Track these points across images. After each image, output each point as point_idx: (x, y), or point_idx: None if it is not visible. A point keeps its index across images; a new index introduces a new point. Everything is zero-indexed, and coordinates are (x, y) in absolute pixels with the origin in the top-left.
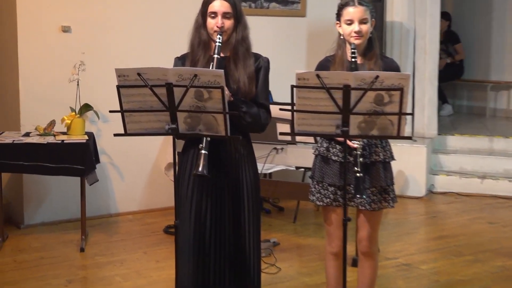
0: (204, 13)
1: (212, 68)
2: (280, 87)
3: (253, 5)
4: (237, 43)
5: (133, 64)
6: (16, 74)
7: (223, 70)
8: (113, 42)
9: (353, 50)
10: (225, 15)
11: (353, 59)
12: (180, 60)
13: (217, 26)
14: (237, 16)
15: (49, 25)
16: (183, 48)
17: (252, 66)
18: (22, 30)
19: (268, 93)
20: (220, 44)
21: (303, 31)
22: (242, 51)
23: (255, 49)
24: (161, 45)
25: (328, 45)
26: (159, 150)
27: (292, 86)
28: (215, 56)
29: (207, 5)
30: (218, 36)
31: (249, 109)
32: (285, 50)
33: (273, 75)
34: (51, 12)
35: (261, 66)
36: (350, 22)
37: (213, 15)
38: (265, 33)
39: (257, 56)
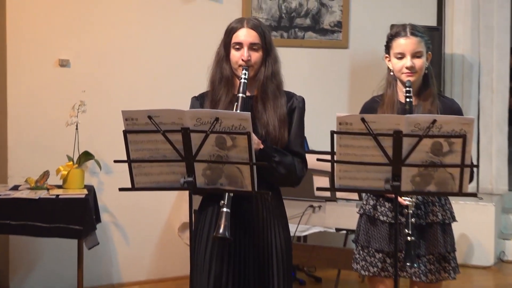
0: (227, 44)
1: (236, 109)
2: (317, 132)
3: (285, 34)
4: (266, 80)
5: (143, 105)
6: (4, 115)
7: (249, 112)
8: (119, 79)
9: (408, 89)
10: (252, 47)
11: (407, 100)
12: (198, 100)
13: (243, 60)
14: (266, 47)
15: (44, 58)
16: (202, 85)
17: (283, 107)
18: (12, 63)
19: (303, 140)
20: (245, 81)
21: (345, 65)
22: (272, 89)
23: (287, 86)
24: (176, 83)
25: (374, 82)
26: (172, 207)
27: (332, 132)
28: (240, 95)
29: (230, 35)
30: (244, 71)
31: (283, 158)
32: (323, 87)
33: (309, 118)
34: (46, 43)
35: (295, 107)
36: (401, 56)
37: (237, 47)
38: (299, 68)
39: (290, 95)
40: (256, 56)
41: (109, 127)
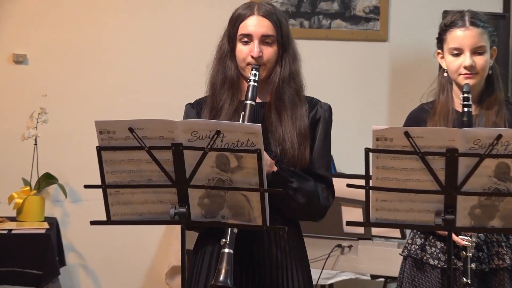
0: (232, 36)
1: (243, 120)
2: (347, 149)
3: (306, 23)
4: (282, 82)
5: (123, 115)
6: None
7: (260, 124)
8: (91, 80)
9: (466, 95)
10: (264, 40)
11: (465, 109)
12: (195, 109)
13: (252, 56)
14: (282, 40)
15: None
16: (200, 89)
17: (304, 118)
18: None
19: (329, 160)
20: (256, 83)
21: (384, 63)
22: (289, 95)
23: (309, 90)
24: (166, 86)
25: (422, 86)
26: (158, 247)
27: (367, 150)
28: (248, 102)
29: (237, 24)
30: (254, 71)
31: (303, 184)
32: (355, 91)
33: (337, 131)
34: None
35: (319, 118)
36: (458, 52)
37: (246, 40)
38: (325, 66)
39: (313, 102)
40: (269, 51)
41: (77, 142)
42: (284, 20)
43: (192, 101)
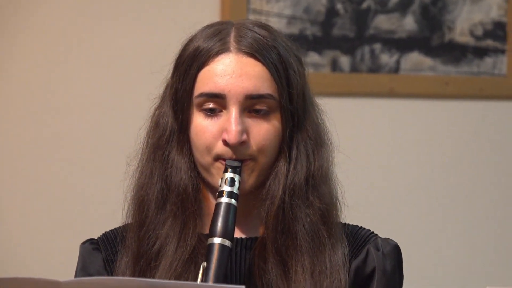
0: (182, 99)
1: (205, 279)
2: None
3: (345, 61)
4: (291, 198)
5: None
6: None
7: (244, 286)
8: None
9: None
10: (252, 106)
11: None
12: (101, 253)
13: (227, 142)
14: (291, 107)
15: None
16: (112, 210)
17: (340, 273)
18: None
19: None
20: (234, 202)
21: None
22: (307, 224)
23: (353, 214)
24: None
25: None
26: None
27: None
28: (217, 241)
29: (191, 71)
30: (230, 173)
31: None
32: (452, 206)
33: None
34: None
35: (373, 271)
36: None
37: (212, 106)
38: (386, 156)
39: (360, 237)
40: (263, 132)
41: None
42: (294, 60)
43: (95, 237)
